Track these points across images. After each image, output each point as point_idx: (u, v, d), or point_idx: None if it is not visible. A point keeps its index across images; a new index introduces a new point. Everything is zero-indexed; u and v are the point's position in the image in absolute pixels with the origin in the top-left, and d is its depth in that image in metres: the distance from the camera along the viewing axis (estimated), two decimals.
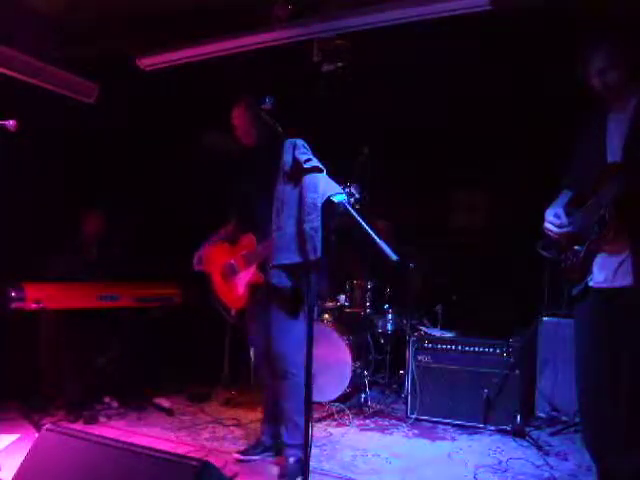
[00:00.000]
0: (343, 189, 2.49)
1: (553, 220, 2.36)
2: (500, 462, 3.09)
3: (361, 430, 3.65)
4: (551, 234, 2.39)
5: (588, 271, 2.28)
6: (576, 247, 2.33)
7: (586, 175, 2.32)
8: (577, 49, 2.30)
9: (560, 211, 2.37)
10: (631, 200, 2.11)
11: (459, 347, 3.81)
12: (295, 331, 2.81)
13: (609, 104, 2.30)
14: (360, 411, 3.98)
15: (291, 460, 2.80)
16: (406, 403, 3.89)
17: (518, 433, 3.51)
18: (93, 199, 4.54)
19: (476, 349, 3.76)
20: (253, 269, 2.82)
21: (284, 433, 2.88)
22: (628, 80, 2.21)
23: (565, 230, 2.35)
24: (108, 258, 4.37)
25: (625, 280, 2.18)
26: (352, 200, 2.54)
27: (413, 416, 3.81)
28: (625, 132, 2.21)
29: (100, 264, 4.31)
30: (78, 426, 3.39)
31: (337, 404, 4.02)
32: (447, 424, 3.75)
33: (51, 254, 4.14)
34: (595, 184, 2.25)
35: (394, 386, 4.51)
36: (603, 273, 2.25)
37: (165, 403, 4.04)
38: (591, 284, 2.29)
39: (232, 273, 2.96)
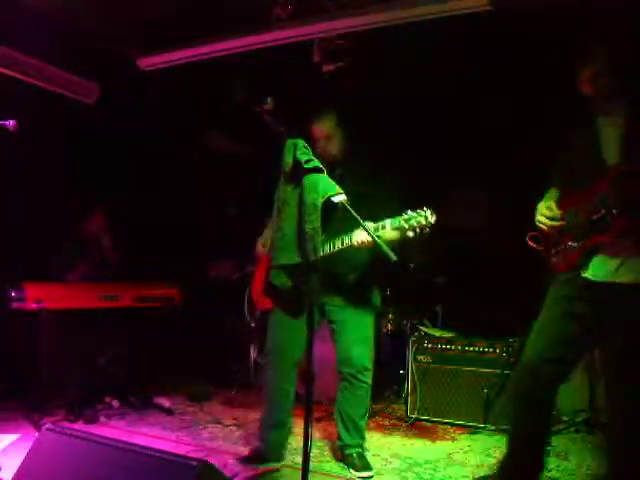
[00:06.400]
0: (416, 209, 2.54)
1: (545, 212, 2.37)
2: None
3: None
4: (543, 227, 2.40)
5: (580, 267, 2.27)
6: (570, 243, 2.31)
7: (580, 176, 2.32)
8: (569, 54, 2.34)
9: (552, 204, 2.37)
10: (636, 201, 2.11)
11: (459, 347, 3.81)
12: (367, 333, 2.98)
13: (599, 108, 2.31)
14: None
15: (355, 455, 2.94)
16: (406, 403, 3.89)
17: None
18: (93, 199, 4.54)
19: (476, 349, 3.76)
20: None
21: (344, 435, 2.98)
22: (619, 85, 2.23)
23: (557, 223, 2.35)
24: (108, 258, 4.38)
25: (630, 276, 2.17)
26: (424, 222, 2.51)
27: (413, 416, 3.81)
28: (621, 134, 2.21)
29: (101, 263, 4.31)
30: (78, 426, 3.39)
31: None
32: (447, 424, 3.75)
33: (52, 253, 4.15)
34: (593, 185, 2.24)
35: (394, 386, 4.51)
36: (604, 269, 2.23)
37: (165, 403, 4.04)
38: (586, 275, 2.25)
39: None
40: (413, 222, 2.52)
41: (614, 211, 2.15)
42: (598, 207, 2.20)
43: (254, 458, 2.94)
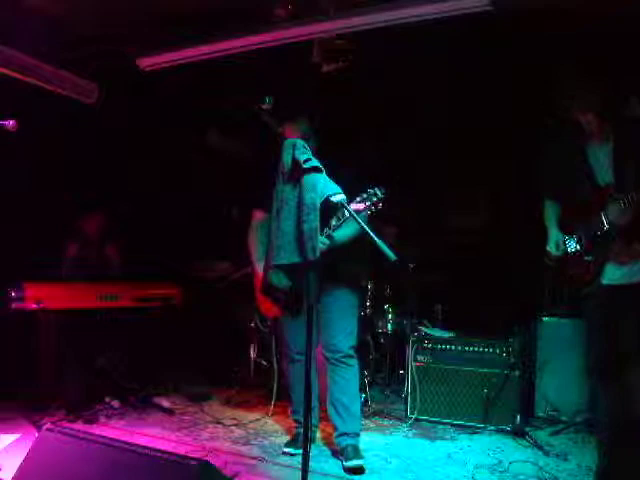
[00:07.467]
0: (367, 189, 2.74)
1: (553, 248, 2.67)
2: (500, 462, 3.09)
3: (361, 430, 3.64)
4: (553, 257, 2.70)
5: (598, 276, 2.48)
6: (586, 257, 2.55)
7: (572, 193, 2.60)
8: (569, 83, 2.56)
9: (560, 241, 2.66)
10: (635, 217, 2.34)
11: (459, 347, 3.81)
12: (350, 321, 3.09)
13: (594, 134, 2.49)
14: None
15: (349, 448, 2.99)
16: (406, 403, 3.89)
17: (518, 433, 3.51)
18: (93, 199, 4.54)
19: (476, 349, 3.77)
20: None
21: (339, 424, 3.06)
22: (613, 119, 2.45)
23: (563, 255, 2.65)
24: (107, 258, 4.38)
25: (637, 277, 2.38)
26: (375, 199, 2.74)
27: (413, 416, 3.81)
28: (611, 155, 2.43)
29: (100, 264, 4.31)
30: (78, 426, 3.38)
31: None
32: (447, 424, 3.75)
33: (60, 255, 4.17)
34: (592, 204, 2.48)
35: (394, 386, 4.51)
36: (618, 272, 2.43)
37: (165, 403, 4.04)
38: (605, 282, 2.46)
39: None
40: (368, 202, 2.75)
41: (613, 227, 2.40)
42: (600, 225, 2.45)
43: (297, 441, 3.15)
